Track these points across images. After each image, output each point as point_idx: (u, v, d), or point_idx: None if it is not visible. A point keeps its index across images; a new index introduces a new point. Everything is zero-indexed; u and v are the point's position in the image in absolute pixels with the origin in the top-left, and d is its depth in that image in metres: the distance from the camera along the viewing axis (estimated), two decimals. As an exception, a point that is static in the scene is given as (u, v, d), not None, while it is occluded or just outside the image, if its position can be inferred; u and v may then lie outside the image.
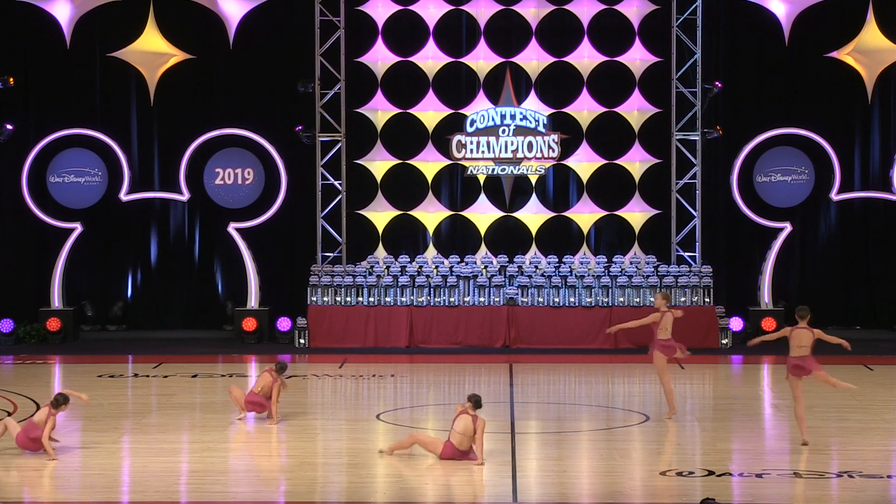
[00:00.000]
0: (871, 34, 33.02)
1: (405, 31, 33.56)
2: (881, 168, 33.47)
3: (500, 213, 33.63)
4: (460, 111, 33.45)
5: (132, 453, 19.97)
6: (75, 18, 33.32)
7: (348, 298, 31.93)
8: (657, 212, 33.32)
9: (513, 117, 33.25)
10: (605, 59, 33.38)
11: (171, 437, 20.95)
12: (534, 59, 33.49)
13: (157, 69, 33.54)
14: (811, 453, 19.48)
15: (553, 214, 33.62)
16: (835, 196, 33.28)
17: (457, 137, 33.24)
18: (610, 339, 31.09)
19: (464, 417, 18.63)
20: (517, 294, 31.94)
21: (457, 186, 33.84)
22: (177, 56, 33.51)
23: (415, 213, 33.67)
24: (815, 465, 18.68)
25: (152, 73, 33.52)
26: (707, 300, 31.64)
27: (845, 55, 33.16)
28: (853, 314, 33.79)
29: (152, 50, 33.46)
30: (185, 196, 33.60)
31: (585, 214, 33.56)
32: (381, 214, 33.65)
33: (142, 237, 34.23)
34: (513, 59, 33.53)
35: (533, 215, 33.63)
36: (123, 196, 33.51)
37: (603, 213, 33.51)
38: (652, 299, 31.48)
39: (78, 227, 33.35)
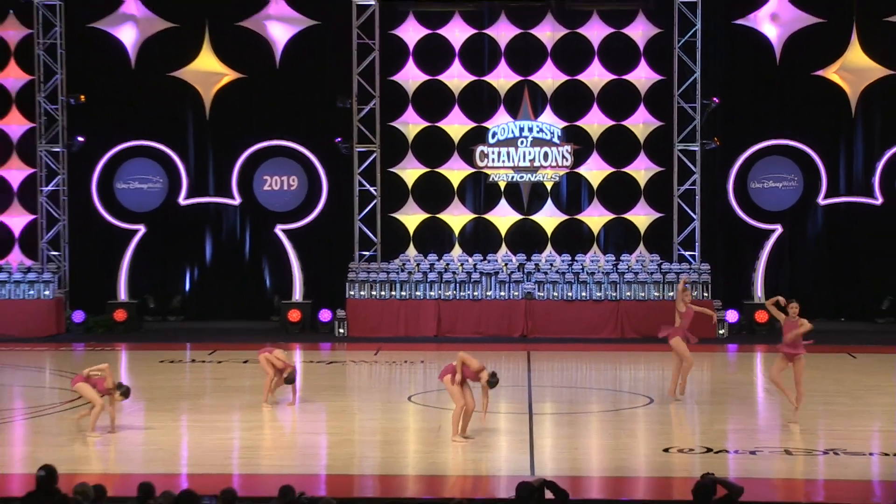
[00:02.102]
0: (854, 55, 32.88)
1: (433, 53, 33.52)
2: (864, 175, 33.30)
3: (519, 216, 33.59)
4: (483, 124, 33.40)
5: (189, 431, 20.02)
6: (139, 42, 33.39)
7: (382, 293, 31.92)
8: (660, 215, 33.22)
9: (530, 130, 33.18)
10: (614, 77, 33.30)
11: (224, 416, 20.98)
12: (549, 77, 33.42)
13: (212, 87, 33.59)
14: (800, 433, 19.40)
15: (566, 217, 33.55)
16: (821, 201, 33.14)
17: (480, 148, 33.19)
18: (617, 329, 31.07)
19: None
20: (534, 289, 31.88)
21: (480, 192, 33.78)
22: (229, 75, 33.56)
23: (442, 216, 33.64)
24: (803, 444, 18.60)
25: (207, 91, 33.58)
26: (706, 294, 31.54)
27: (831, 73, 33.02)
28: (838, 307, 33.65)
29: (207, 70, 33.52)
30: (236, 201, 33.64)
31: (595, 217, 33.49)
32: (411, 217, 33.63)
33: (198, 237, 34.27)
34: (530, 78, 33.46)
35: (548, 218, 33.57)
36: (182, 200, 33.58)
37: (611, 216, 33.43)
38: (656, 294, 31.45)
39: (141, 229, 33.42)
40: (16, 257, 33.43)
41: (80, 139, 33.20)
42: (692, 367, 22.16)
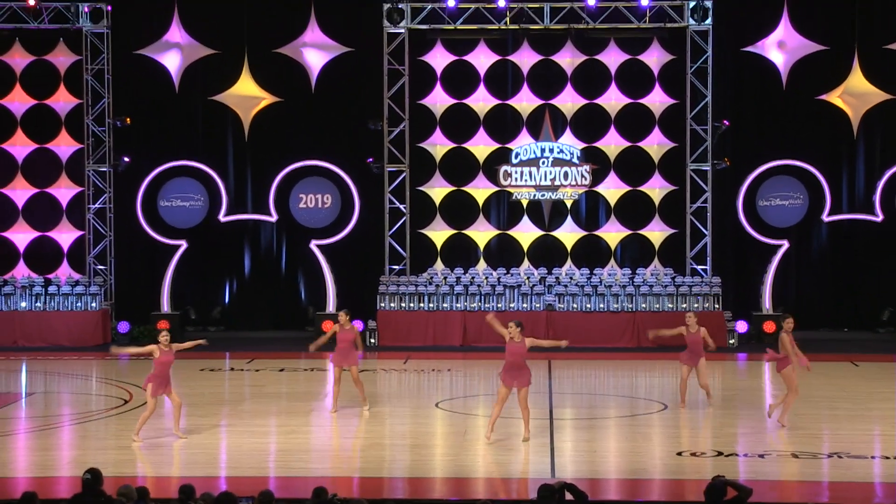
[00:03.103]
0: (856, 80, 32.82)
1: (460, 78, 33.57)
2: (865, 194, 33.21)
3: (541, 232, 33.58)
4: (506, 146, 33.42)
5: (229, 435, 20.06)
6: (183, 67, 33.53)
7: (411, 304, 31.94)
8: (674, 231, 33.18)
9: (551, 151, 33.19)
10: (630, 101, 33.29)
11: (262, 421, 21.03)
12: (569, 101, 33.43)
13: (251, 110, 33.71)
14: (805, 437, 19.36)
15: (585, 233, 33.53)
16: (825, 218, 33.07)
17: (503, 168, 33.21)
18: (633, 339, 31.00)
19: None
20: (555, 301, 31.87)
21: (503, 209, 33.78)
22: (267, 99, 33.66)
23: (468, 232, 33.66)
24: (809, 447, 18.56)
25: (247, 114, 33.69)
26: (717, 306, 31.47)
27: (835, 98, 32.96)
28: (841, 318, 33.54)
29: (247, 94, 33.63)
30: (273, 217, 33.73)
31: (613, 233, 33.46)
32: (439, 233, 33.66)
33: (237, 252, 34.34)
34: (551, 101, 33.47)
35: (568, 234, 33.56)
36: (222, 217, 33.68)
37: (628, 232, 33.40)
38: (670, 306, 31.40)
39: (183, 244, 33.54)
40: (64, 271, 33.59)
41: (126, 159, 33.35)
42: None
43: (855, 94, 32.89)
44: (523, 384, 18.96)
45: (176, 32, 33.40)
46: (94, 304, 32.34)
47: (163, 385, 19.26)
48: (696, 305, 31.34)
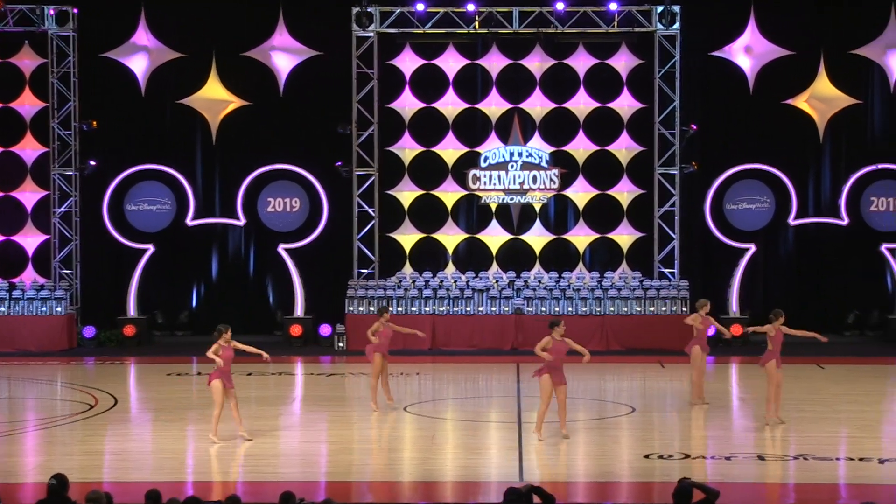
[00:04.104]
0: (822, 85, 33.00)
1: (429, 82, 33.58)
2: (831, 198, 33.40)
3: (509, 236, 33.63)
4: (475, 149, 33.46)
5: (196, 440, 20.02)
6: (150, 71, 33.42)
7: (380, 308, 31.94)
8: (642, 234, 33.28)
9: (520, 154, 33.25)
10: (598, 105, 33.38)
11: (230, 425, 20.98)
12: (538, 105, 33.50)
13: (219, 114, 33.64)
14: (772, 439, 19.47)
15: (554, 237, 33.60)
16: (792, 221, 33.23)
17: (472, 171, 33.26)
18: (602, 342, 31.06)
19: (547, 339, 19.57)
20: (523, 304, 31.93)
21: (472, 213, 33.81)
22: (235, 102, 33.61)
23: (437, 235, 33.68)
24: (775, 449, 18.67)
25: (214, 117, 33.62)
26: (684, 309, 31.55)
27: (801, 102, 33.14)
28: (807, 321, 33.40)
29: (214, 97, 33.56)
30: (241, 221, 33.66)
31: (581, 237, 33.54)
32: (408, 237, 33.67)
33: (205, 256, 34.25)
34: (520, 105, 33.54)
35: (537, 237, 33.62)
36: (189, 221, 33.60)
37: (596, 235, 33.48)
38: (638, 309, 31.51)
39: (150, 248, 33.44)
40: (29, 275, 33.40)
41: (93, 163, 33.23)
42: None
43: (821, 98, 33.08)
44: (563, 382, 19.46)
45: (143, 36, 33.30)
46: (59, 309, 32.18)
47: (229, 380, 19.38)
48: (663, 309, 31.47)
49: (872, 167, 32.91)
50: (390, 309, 22.80)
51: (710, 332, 23.55)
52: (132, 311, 33.12)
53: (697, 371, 22.50)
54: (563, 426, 19.42)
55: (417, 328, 31.35)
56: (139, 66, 33.38)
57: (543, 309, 31.82)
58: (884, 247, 33.02)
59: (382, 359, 22.20)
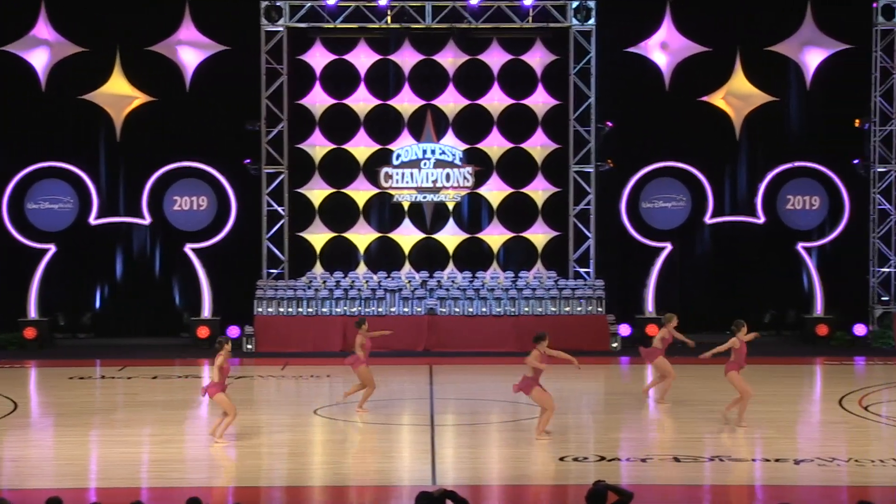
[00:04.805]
0: (738, 82, 33.36)
1: (340, 78, 33.49)
2: (747, 196, 33.76)
3: (422, 235, 33.64)
4: (387, 147, 33.43)
5: (100, 445, 19.82)
6: (50, 65, 32.99)
7: (290, 309, 31.81)
8: (557, 233, 33.45)
9: (433, 152, 33.27)
10: (513, 101, 33.50)
11: (135, 430, 20.81)
12: (451, 101, 33.55)
13: (123, 110, 33.29)
14: (687, 440, 19.65)
15: (468, 236, 33.66)
16: (708, 220, 33.55)
17: (384, 169, 33.22)
18: (517, 343, 31.08)
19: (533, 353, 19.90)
20: (436, 305, 31.95)
21: (384, 212, 33.77)
22: (140, 98, 33.28)
23: (348, 234, 33.61)
24: (690, 451, 18.83)
25: (118, 113, 33.27)
26: (600, 309, 31.79)
27: (717, 99, 33.47)
28: (724, 321, 33.79)
29: (118, 93, 33.21)
30: (146, 220, 33.35)
31: (495, 236, 33.64)
32: (318, 236, 33.57)
33: (109, 256, 33.88)
34: (433, 102, 33.56)
35: (450, 237, 33.66)
36: (92, 220, 33.21)
37: (510, 234, 33.60)
38: (553, 309, 31.66)
39: (52, 248, 33.02)
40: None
41: (-9, 160, 32.78)
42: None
43: (737, 95, 33.44)
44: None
45: (43, 29, 32.86)
46: (-43, 311, 31.72)
47: (224, 390, 19.67)
48: (579, 309, 31.65)
49: (789, 165, 33.29)
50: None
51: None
52: (33, 312, 32.67)
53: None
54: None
55: (328, 329, 31.58)
56: (39, 60, 32.93)
57: (457, 309, 31.86)
58: (800, 246, 33.45)
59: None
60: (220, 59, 33.11)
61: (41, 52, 32.89)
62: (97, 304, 34.06)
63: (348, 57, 33.43)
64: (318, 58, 33.38)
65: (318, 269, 33.27)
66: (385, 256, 33.59)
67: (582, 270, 33.03)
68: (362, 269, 33.35)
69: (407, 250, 33.54)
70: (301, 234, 33.40)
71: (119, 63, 33.04)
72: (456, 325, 31.66)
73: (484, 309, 31.90)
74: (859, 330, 32.48)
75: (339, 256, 33.50)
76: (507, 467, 18.10)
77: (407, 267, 33.35)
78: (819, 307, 33.06)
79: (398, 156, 33.21)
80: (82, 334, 33.69)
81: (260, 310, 31.76)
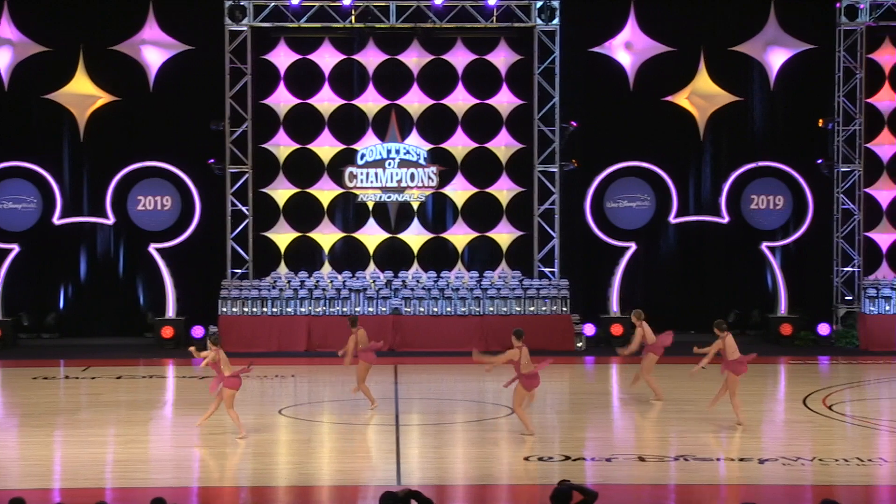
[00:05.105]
0: (702, 82, 33.51)
1: (304, 77, 33.47)
2: (711, 196, 33.92)
3: (387, 235, 33.66)
4: (352, 146, 33.44)
5: (64, 446, 19.78)
6: (13, 65, 32.85)
7: (254, 309, 31.79)
8: (522, 233, 33.54)
9: (397, 152, 33.30)
10: (477, 101, 33.56)
11: (99, 430, 20.77)
12: (416, 101, 33.59)
13: (86, 109, 33.18)
14: (652, 440, 19.76)
15: (432, 235, 33.70)
16: (672, 219, 33.69)
17: (349, 169, 33.23)
18: (482, 342, 31.12)
19: (523, 351, 20.34)
20: (401, 304, 31.98)
21: (349, 211, 33.78)
22: (103, 98, 33.18)
23: (312, 234, 33.60)
24: (656, 451, 18.94)
25: (82, 113, 33.16)
26: (564, 309, 31.90)
27: (681, 99, 33.62)
28: (688, 320, 34.05)
29: (82, 92, 33.09)
30: (110, 220, 33.24)
31: (460, 235, 33.69)
32: (283, 236, 33.54)
33: (73, 256, 33.76)
34: (397, 102, 33.59)
35: (415, 236, 33.69)
36: (56, 220, 33.09)
37: (475, 234, 33.66)
38: (518, 309, 31.74)
39: (16, 248, 32.88)
40: None
41: (-46, 160, 32.60)
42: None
43: (701, 95, 33.60)
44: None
45: (6, 28, 32.71)
46: (-81, 312, 31.53)
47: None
48: (543, 308, 31.75)
49: (753, 165, 33.45)
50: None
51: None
52: (-5, 313, 32.55)
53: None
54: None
55: (293, 329, 31.57)
56: (2, 59, 32.78)
57: (422, 309, 31.91)
58: (764, 245, 33.63)
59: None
60: (184, 58, 33.04)
61: (4, 51, 32.74)
62: (61, 305, 33.92)
63: (312, 56, 33.42)
64: (282, 57, 33.36)
65: (282, 268, 33.25)
66: (349, 256, 33.59)
67: (546, 270, 33.13)
68: (327, 268, 33.35)
69: (372, 250, 33.56)
70: (265, 233, 33.37)
71: (82, 62, 32.92)
72: (421, 324, 31.70)
73: (449, 309, 31.96)
74: (823, 329, 32.70)
75: (304, 256, 33.48)
76: (473, 467, 18.16)
77: (372, 267, 33.37)
78: (783, 307, 33.25)
79: (363, 155, 33.22)
80: (46, 334, 33.54)
81: (224, 310, 31.71)
